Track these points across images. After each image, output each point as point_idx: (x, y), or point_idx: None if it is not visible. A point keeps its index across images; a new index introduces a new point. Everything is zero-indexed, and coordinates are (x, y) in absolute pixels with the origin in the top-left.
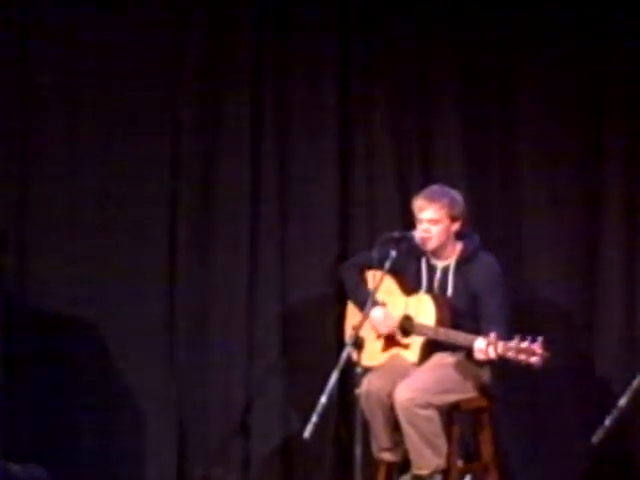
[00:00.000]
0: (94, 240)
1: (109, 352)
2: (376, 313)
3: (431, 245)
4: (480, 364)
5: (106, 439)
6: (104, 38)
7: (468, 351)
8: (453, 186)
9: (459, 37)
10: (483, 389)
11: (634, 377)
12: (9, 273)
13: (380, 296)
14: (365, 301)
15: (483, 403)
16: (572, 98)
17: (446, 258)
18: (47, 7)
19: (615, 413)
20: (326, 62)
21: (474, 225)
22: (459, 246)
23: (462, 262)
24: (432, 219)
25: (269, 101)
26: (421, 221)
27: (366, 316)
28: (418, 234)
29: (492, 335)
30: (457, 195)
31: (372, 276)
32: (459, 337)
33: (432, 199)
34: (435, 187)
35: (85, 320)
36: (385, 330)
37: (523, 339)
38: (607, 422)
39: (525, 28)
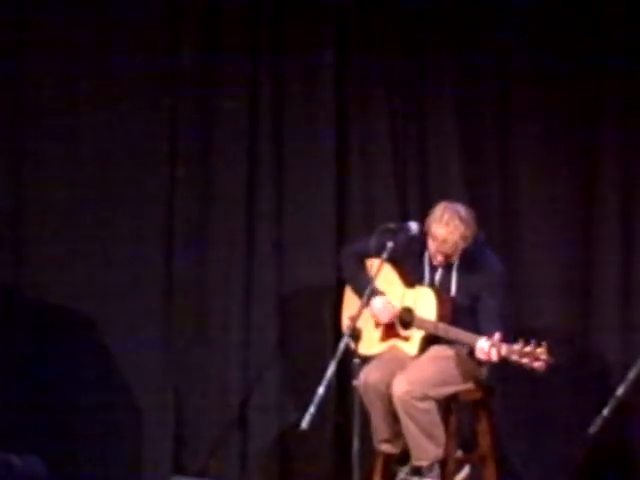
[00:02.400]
0: (93, 238)
1: (106, 349)
2: (377, 302)
3: (442, 264)
4: (480, 364)
5: (104, 434)
6: (102, 36)
7: (470, 350)
8: (450, 185)
9: (457, 37)
10: (481, 381)
11: (631, 368)
12: (7, 271)
13: (379, 285)
14: (364, 288)
15: (481, 394)
16: (570, 98)
17: None
18: (45, 6)
19: (612, 403)
20: (323, 62)
21: None
22: None
23: (466, 260)
24: (452, 252)
25: (266, 100)
26: (440, 250)
27: (364, 305)
28: (434, 255)
29: (496, 336)
30: (472, 218)
31: (371, 265)
32: (460, 335)
33: (453, 238)
34: (453, 214)
35: (84, 318)
36: (386, 319)
37: (527, 343)
38: (604, 412)
39: (524, 28)
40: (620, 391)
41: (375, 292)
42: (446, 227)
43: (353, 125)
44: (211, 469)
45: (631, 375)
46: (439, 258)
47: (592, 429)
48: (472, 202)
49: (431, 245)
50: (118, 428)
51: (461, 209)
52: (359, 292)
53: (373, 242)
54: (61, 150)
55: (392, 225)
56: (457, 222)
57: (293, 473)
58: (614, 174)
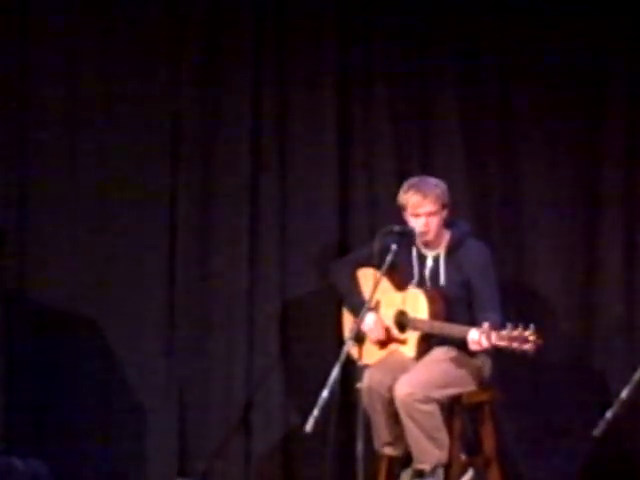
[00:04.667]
0: (94, 239)
1: (109, 350)
2: (368, 320)
3: (430, 237)
4: (474, 354)
5: (107, 436)
6: (103, 37)
7: (463, 342)
8: (453, 186)
9: (458, 36)
10: (483, 383)
11: (634, 370)
12: (9, 273)
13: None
14: (358, 307)
15: (484, 397)
16: (572, 96)
17: (436, 247)
18: (47, 7)
19: (617, 406)
20: (326, 61)
21: (474, 223)
22: (448, 234)
23: (452, 250)
24: (430, 212)
25: (268, 100)
26: (418, 215)
27: (359, 322)
28: (417, 228)
29: (485, 325)
30: (442, 183)
31: (369, 275)
32: (453, 329)
33: (425, 193)
34: (420, 180)
35: (85, 318)
36: (376, 337)
37: (515, 327)
38: (608, 415)
39: (525, 26)
40: (625, 393)
41: (368, 309)
42: (415, 186)
43: (356, 126)
44: (214, 473)
45: (636, 377)
46: (425, 229)
47: (596, 432)
48: (475, 202)
49: (411, 220)
50: (121, 430)
51: (425, 177)
52: (354, 312)
53: (377, 245)
54: (62, 151)
55: (396, 227)
56: (430, 183)
57: (296, 475)
58: (617, 171)
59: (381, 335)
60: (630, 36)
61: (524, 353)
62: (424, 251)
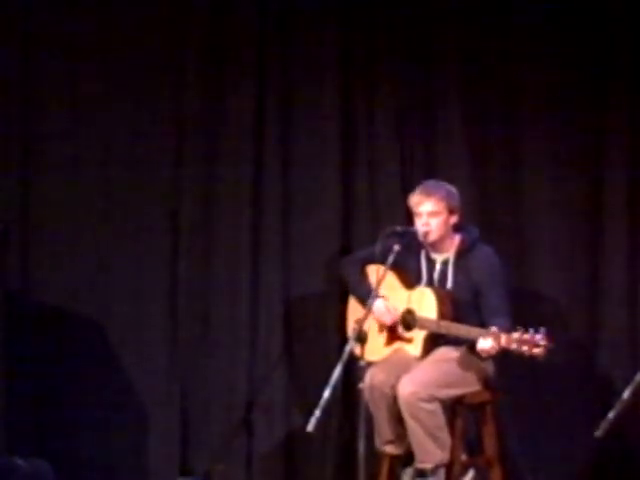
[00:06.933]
0: (96, 239)
1: (111, 350)
2: (378, 305)
3: (431, 238)
4: (483, 357)
5: (108, 436)
6: (105, 36)
7: (471, 344)
8: (455, 186)
9: (461, 36)
10: (487, 383)
11: (636, 371)
12: (11, 272)
13: (382, 291)
14: (367, 296)
15: (487, 397)
16: (574, 97)
17: (445, 251)
18: (47, 3)
19: (619, 406)
20: (328, 61)
21: (475, 224)
22: (457, 239)
23: (461, 254)
24: (431, 212)
25: (271, 100)
26: (420, 215)
27: (369, 311)
28: (418, 228)
29: (494, 328)
30: (452, 188)
31: (374, 271)
32: (461, 330)
33: (429, 192)
34: (430, 182)
35: (87, 319)
36: (389, 320)
37: (526, 331)
38: (611, 415)
39: (527, 26)
40: (626, 394)
41: (376, 296)
42: (421, 186)
43: (358, 126)
44: (216, 473)
45: (638, 377)
46: (424, 228)
47: (598, 432)
48: (478, 201)
49: (417, 222)
50: (122, 430)
51: (440, 181)
52: (362, 300)
53: (379, 246)
54: (64, 150)
55: (398, 228)
56: (437, 185)
57: (298, 475)
58: (619, 172)
59: (393, 319)
60: (632, 35)
61: (533, 357)
62: (433, 255)
